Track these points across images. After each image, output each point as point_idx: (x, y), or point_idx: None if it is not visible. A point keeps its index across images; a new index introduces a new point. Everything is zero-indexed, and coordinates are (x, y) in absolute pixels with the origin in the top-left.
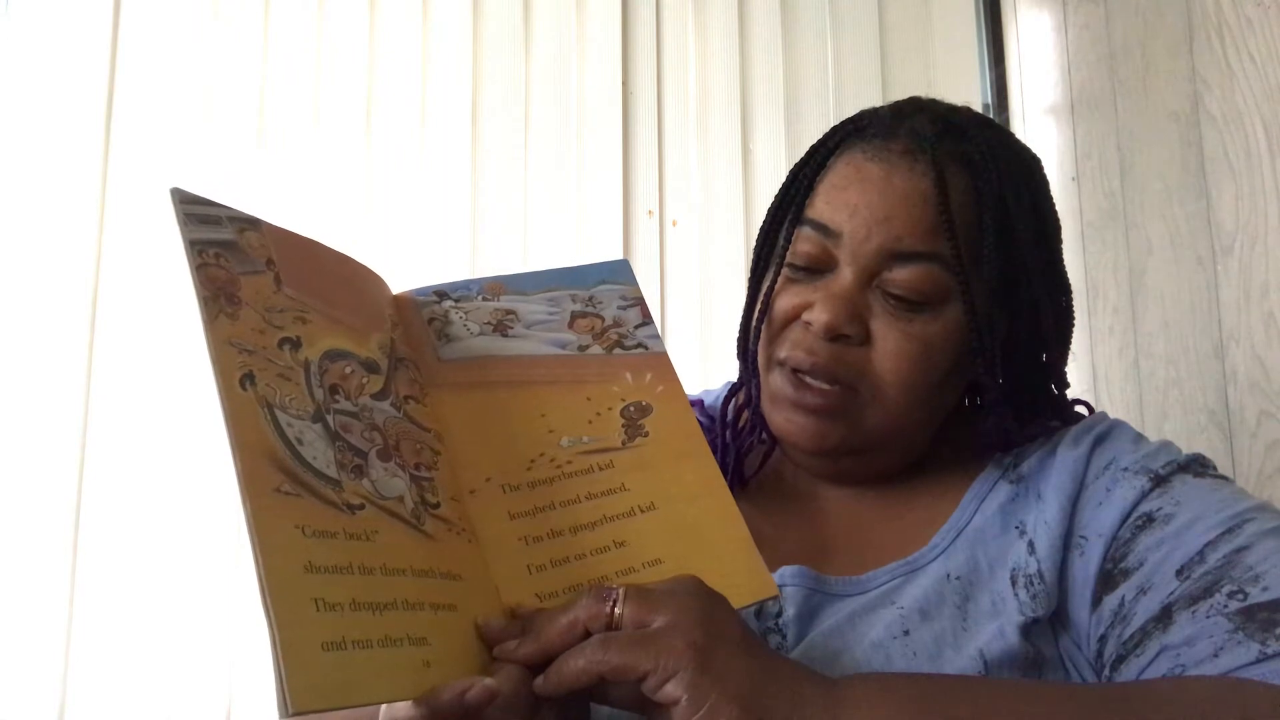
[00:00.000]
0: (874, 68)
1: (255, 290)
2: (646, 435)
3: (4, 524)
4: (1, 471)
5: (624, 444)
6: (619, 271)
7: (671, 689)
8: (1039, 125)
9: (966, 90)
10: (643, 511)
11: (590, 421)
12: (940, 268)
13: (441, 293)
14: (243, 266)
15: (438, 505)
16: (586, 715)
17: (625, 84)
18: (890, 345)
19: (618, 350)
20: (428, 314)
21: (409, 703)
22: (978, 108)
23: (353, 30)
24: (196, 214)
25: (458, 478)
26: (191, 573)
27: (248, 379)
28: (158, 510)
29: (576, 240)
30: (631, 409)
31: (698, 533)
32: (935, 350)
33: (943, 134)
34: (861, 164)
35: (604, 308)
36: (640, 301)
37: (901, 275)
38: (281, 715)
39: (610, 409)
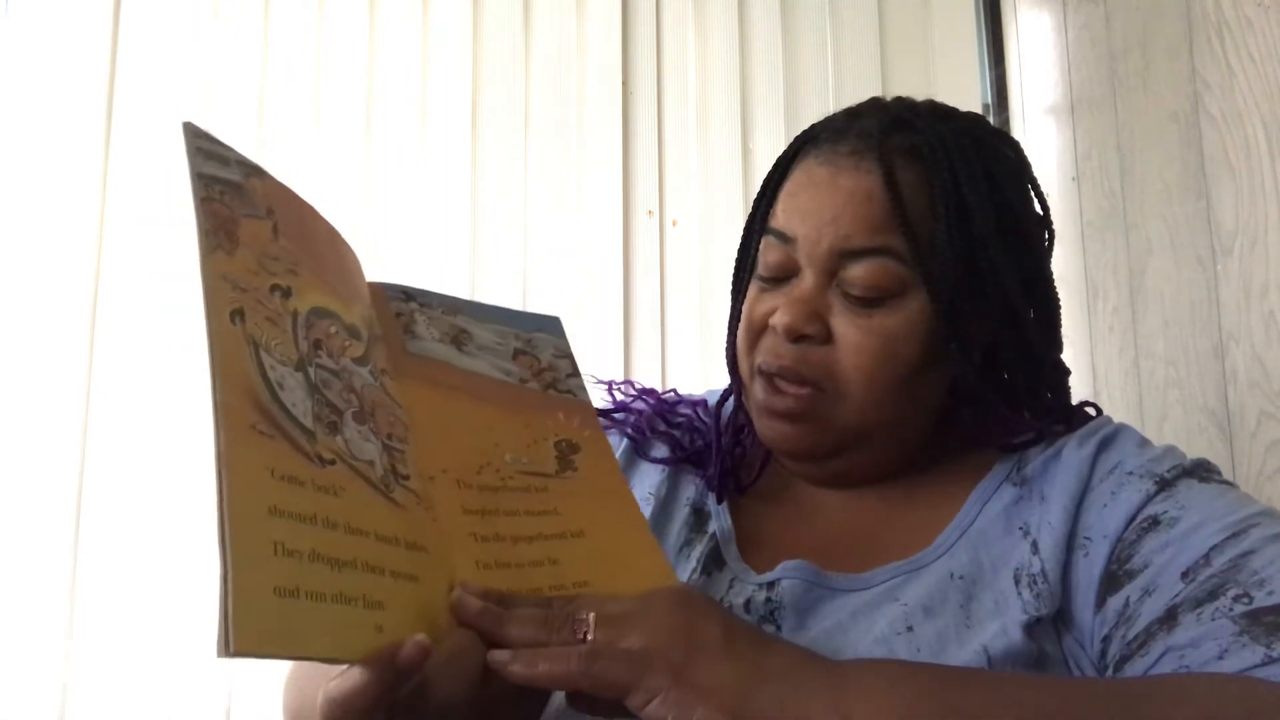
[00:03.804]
0: (874, 68)
1: (254, 233)
2: (575, 470)
3: (4, 524)
4: (1, 471)
5: (555, 473)
6: (552, 326)
7: (656, 708)
8: (1039, 125)
9: (966, 90)
10: (573, 536)
11: (529, 446)
12: (893, 261)
13: (408, 294)
14: (245, 209)
15: (408, 478)
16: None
17: (625, 84)
18: (851, 341)
19: (551, 391)
20: (395, 309)
21: (350, 678)
22: (977, 108)
23: (353, 30)
24: (206, 149)
25: (420, 462)
26: (191, 573)
27: (237, 314)
28: (158, 510)
29: (576, 240)
30: (563, 444)
31: (620, 563)
32: (898, 343)
33: (890, 130)
34: (812, 169)
35: (540, 351)
36: (570, 356)
37: (856, 272)
38: (220, 654)
39: (545, 440)
